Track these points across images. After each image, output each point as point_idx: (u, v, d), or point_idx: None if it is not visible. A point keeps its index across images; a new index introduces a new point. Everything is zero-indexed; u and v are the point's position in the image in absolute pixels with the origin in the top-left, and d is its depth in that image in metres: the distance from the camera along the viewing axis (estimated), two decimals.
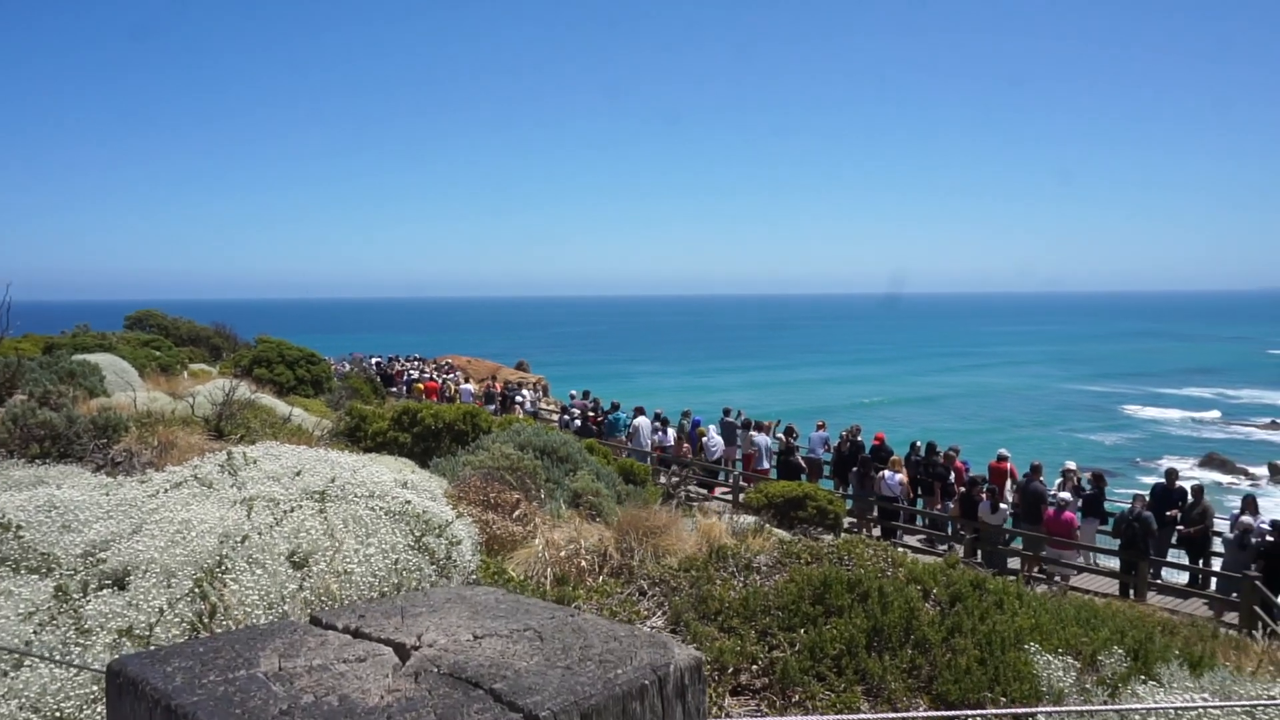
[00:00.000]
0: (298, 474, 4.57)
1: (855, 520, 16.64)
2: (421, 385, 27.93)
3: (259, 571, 3.54)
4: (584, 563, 5.32)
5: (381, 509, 4.18)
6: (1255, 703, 2.14)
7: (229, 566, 3.56)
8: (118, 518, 4.23)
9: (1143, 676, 2.95)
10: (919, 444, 18.22)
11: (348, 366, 32.96)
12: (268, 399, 13.42)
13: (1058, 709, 2.23)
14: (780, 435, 18.93)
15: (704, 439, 20.11)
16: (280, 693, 1.07)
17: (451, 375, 30.69)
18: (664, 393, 62.76)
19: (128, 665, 1.15)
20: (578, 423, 21.60)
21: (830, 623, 3.56)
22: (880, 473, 16.50)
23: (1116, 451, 65.03)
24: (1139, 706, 2.13)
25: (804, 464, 17.77)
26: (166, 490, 4.45)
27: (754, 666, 3.48)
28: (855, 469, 17.33)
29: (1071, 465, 15.88)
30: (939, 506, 16.52)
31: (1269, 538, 12.06)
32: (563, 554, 5.44)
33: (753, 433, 19.61)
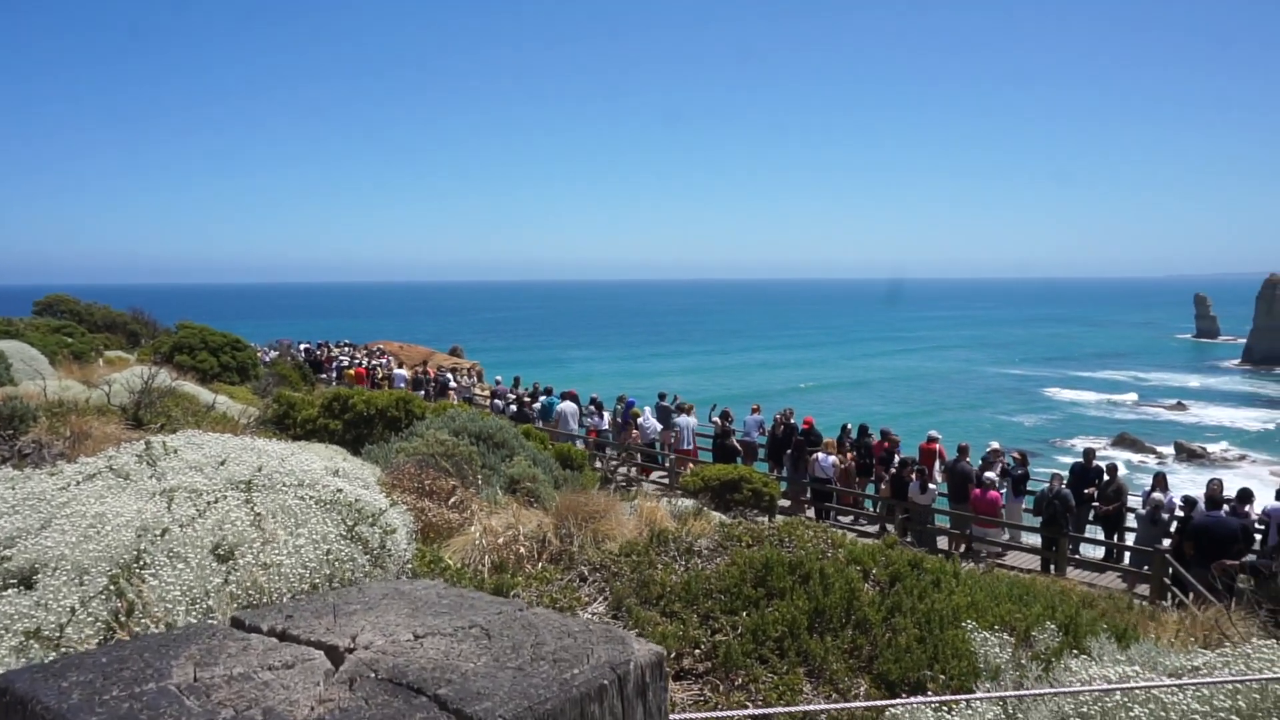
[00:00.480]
0: (222, 463, 4.37)
1: (790, 502, 16.89)
2: (352, 371, 27.31)
3: (181, 566, 3.36)
4: (522, 549, 5.23)
5: (312, 498, 4.03)
6: (1255, 677, 2.19)
7: (148, 561, 3.37)
8: (24, 512, 3.97)
9: (1075, 650, 3.01)
10: (849, 426, 18.57)
11: (275, 353, 31.99)
12: (190, 386, 12.92)
13: (1070, 688, 2.25)
14: (716, 419, 19.06)
15: (639, 421, 20.15)
16: (195, 708, 0.95)
17: (382, 360, 30.04)
18: (601, 377, 62.77)
19: (15, 681, 1.01)
20: (513, 408, 21.39)
21: (772, 605, 3.56)
22: (814, 455, 16.75)
23: (1036, 432, 67.52)
24: (1136, 685, 2.16)
25: (739, 447, 17.92)
26: (79, 482, 4.20)
27: (697, 651, 3.46)
28: (790, 451, 17.56)
29: (997, 445, 16.35)
30: (883, 488, 16.78)
31: (1179, 512, 12.62)
32: (500, 541, 5.34)
33: (675, 414, 19.91)
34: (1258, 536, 11.81)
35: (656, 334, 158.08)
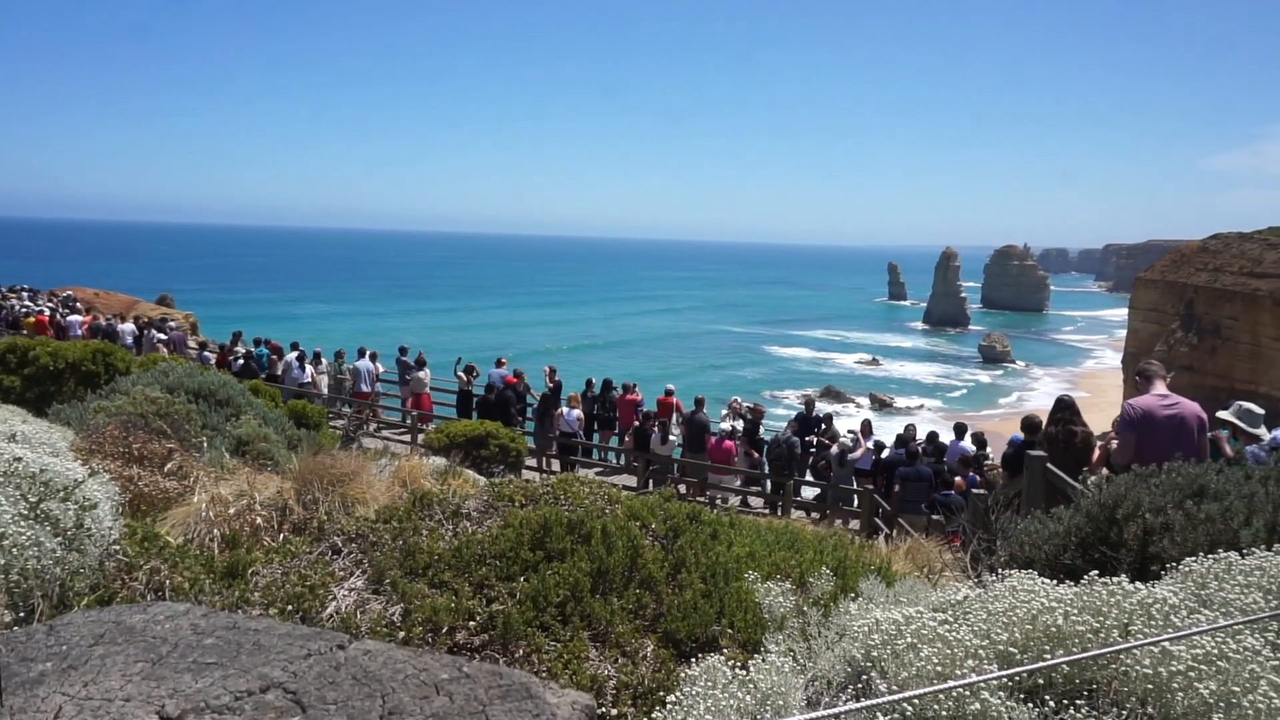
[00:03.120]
0: None
1: (536, 456, 16.90)
2: (32, 320, 23.31)
3: None
4: (259, 519, 4.62)
5: None
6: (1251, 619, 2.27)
7: None
8: None
9: (853, 594, 3.12)
10: (592, 380, 18.90)
11: None
12: None
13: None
14: (461, 374, 18.60)
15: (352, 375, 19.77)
16: None
17: (74, 309, 25.88)
18: (339, 335, 59.04)
19: None
20: (240, 362, 19.44)
21: (552, 568, 3.36)
22: (559, 410, 16.85)
23: (756, 385, 73.53)
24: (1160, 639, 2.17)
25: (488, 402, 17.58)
26: None
27: (472, 623, 3.19)
28: (535, 407, 17.58)
29: (735, 399, 17.38)
30: (627, 440, 17.17)
31: (885, 454, 14.16)
32: (232, 511, 4.68)
33: (359, 362, 19.84)
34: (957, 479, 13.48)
35: (400, 288, 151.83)
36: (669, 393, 17.74)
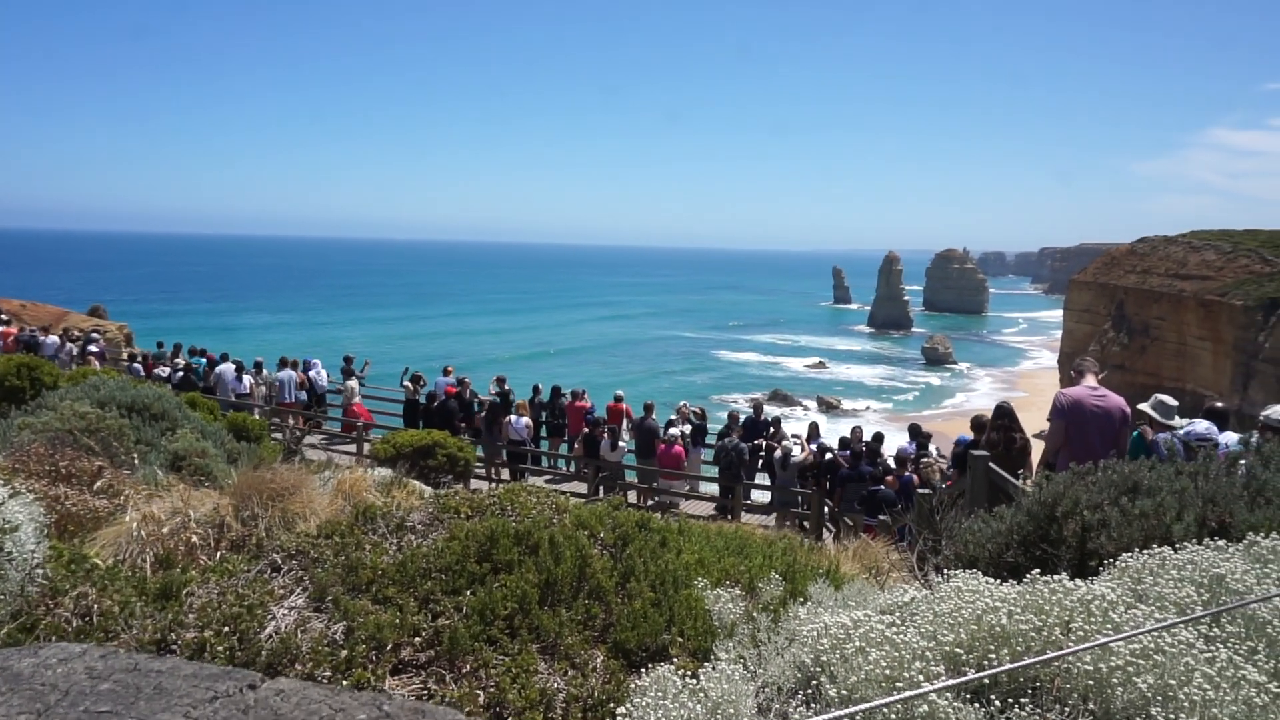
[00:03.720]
0: None
1: (485, 465, 16.72)
2: None
3: None
4: (195, 537, 4.46)
5: None
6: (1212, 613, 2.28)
7: None
8: None
9: (802, 599, 3.12)
10: (539, 386, 18.81)
11: None
12: None
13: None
14: (408, 384, 18.36)
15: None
16: None
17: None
18: (283, 344, 57.76)
19: None
20: (180, 374, 18.89)
21: (500, 580, 3.30)
22: (507, 418, 16.71)
23: (706, 389, 73.99)
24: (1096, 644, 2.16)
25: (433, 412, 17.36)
26: None
27: (417, 639, 3.11)
28: (484, 415, 17.40)
29: (683, 404, 17.40)
30: (577, 448, 17.09)
31: (828, 456, 14.32)
32: (166, 529, 4.51)
33: (280, 373, 19.61)
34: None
35: (347, 296, 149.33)
36: (618, 399, 17.71)
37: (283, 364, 20.10)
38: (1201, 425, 7.07)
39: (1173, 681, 2.18)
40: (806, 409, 66.37)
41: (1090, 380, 6.87)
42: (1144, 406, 7.42)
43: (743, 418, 16.59)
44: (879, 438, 14.18)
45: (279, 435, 13.64)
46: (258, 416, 14.59)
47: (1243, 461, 4.41)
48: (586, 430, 16.17)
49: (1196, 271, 54.06)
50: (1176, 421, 7.11)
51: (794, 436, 15.65)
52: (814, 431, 15.60)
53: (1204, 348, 50.25)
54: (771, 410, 23.74)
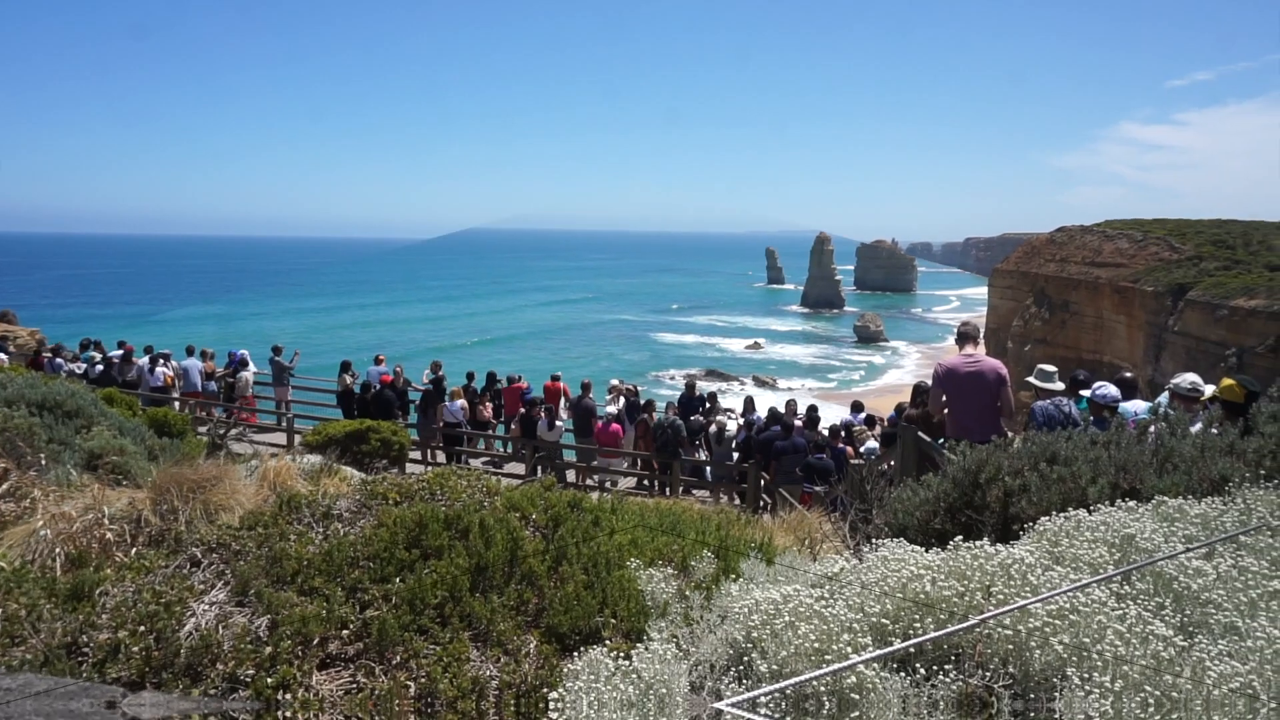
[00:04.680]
0: None
1: (420, 448, 16.53)
2: None
3: None
4: (110, 534, 4.27)
5: None
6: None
7: None
8: None
9: (734, 575, 3.14)
10: (473, 373, 18.63)
11: None
12: None
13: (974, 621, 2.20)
14: (347, 377, 18.00)
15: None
16: None
17: None
18: (209, 337, 55.95)
19: None
20: (99, 368, 18.09)
21: (430, 567, 3.24)
22: (442, 403, 16.53)
23: (643, 367, 74.32)
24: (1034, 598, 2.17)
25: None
26: None
27: (345, 632, 3.03)
28: (419, 401, 17.19)
29: (616, 381, 17.39)
30: (513, 428, 16.96)
31: (761, 431, 14.51)
32: (77, 527, 4.32)
33: (186, 361, 19.20)
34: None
35: (275, 288, 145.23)
36: (555, 379, 17.62)
37: (189, 352, 19.47)
38: (1112, 390, 7.52)
39: (1087, 640, 2.25)
40: (743, 384, 67.26)
41: (969, 348, 7.39)
42: (1029, 379, 7.80)
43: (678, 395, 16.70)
44: (814, 409, 14.42)
45: (203, 430, 13.22)
46: (178, 410, 14.10)
47: (1152, 429, 4.60)
48: (523, 410, 16.06)
49: (1111, 259, 56.08)
50: (1056, 385, 7.47)
51: (728, 411, 15.81)
52: (749, 406, 15.77)
53: (1119, 322, 52.29)
54: (707, 387, 23.94)
